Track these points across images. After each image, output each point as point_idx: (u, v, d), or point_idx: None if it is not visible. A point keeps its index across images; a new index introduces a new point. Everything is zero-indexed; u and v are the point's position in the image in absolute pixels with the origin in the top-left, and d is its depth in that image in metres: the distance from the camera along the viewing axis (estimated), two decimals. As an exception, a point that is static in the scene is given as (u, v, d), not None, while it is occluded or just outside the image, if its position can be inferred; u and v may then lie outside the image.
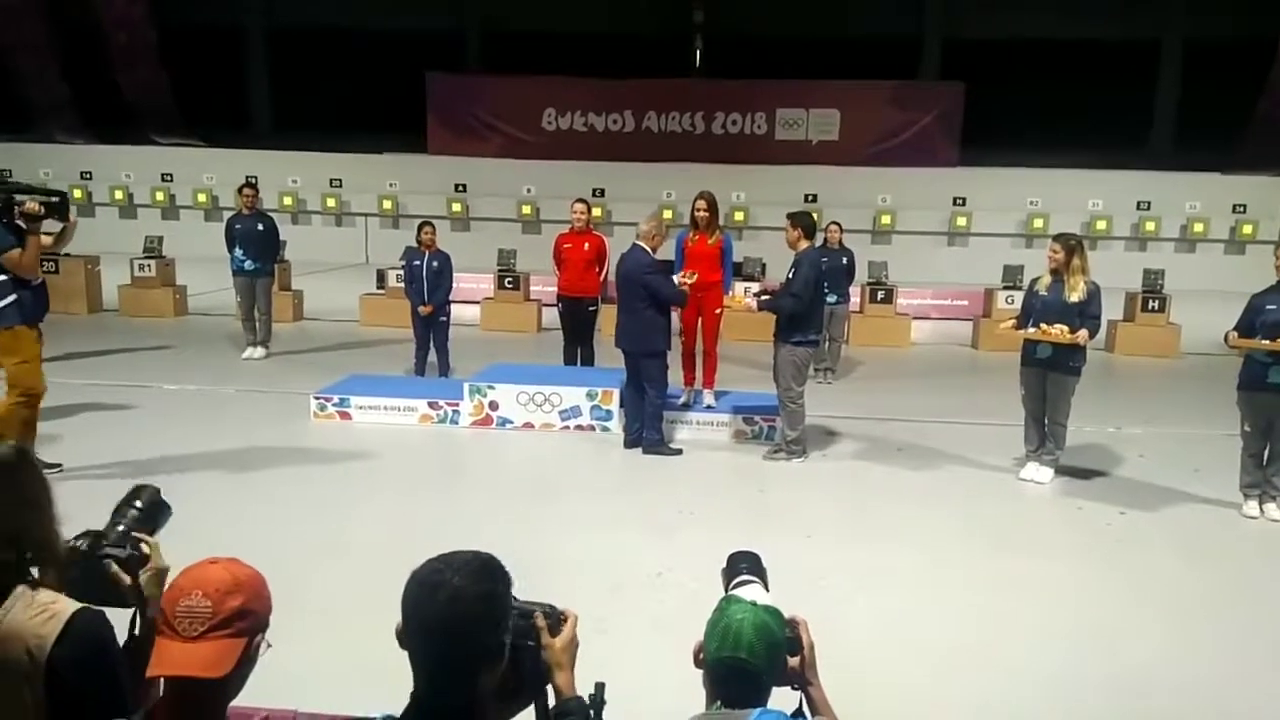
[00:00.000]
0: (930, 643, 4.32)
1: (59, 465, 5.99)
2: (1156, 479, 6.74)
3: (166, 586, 1.74)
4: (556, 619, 1.79)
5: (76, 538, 2.00)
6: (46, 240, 5.93)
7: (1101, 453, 7.34)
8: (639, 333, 7.02)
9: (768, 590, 2.23)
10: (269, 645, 1.70)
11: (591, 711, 1.79)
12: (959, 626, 4.50)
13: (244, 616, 1.62)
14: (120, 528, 2.05)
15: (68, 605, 1.80)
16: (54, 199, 5.78)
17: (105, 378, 8.66)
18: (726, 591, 2.20)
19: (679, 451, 7.19)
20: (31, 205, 5.59)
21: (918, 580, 5.00)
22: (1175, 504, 6.28)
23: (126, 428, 7.14)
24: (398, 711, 1.62)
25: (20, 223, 5.66)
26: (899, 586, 4.91)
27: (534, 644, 1.75)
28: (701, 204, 7.67)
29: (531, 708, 1.77)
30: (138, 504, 2.12)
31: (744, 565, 2.30)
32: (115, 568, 1.97)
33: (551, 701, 1.78)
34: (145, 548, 2.04)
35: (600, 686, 1.82)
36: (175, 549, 2.19)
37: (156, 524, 2.14)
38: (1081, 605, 4.78)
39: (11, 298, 5.66)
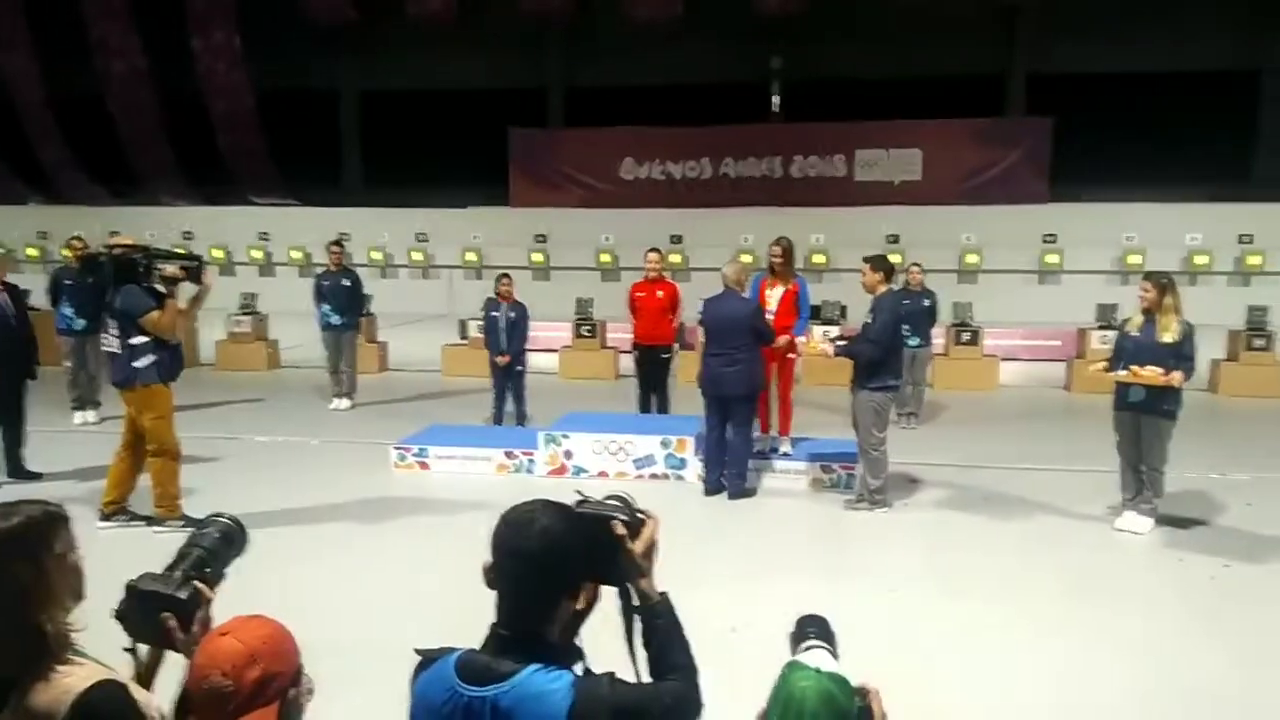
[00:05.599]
0: (1022, 709, 4.10)
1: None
2: (1265, 529, 6.33)
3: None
4: (636, 522, 1.86)
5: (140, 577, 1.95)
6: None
7: (1204, 500, 6.95)
8: (744, 375, 6.97)
9: (836, 657, 2.13)
10: (310, 692, 1.71)
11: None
12: (1053, 690, 4.26)
13: (268, 683, 1.63)
14: (182, 569, 1.97)
15: (79, 681, 1.75)
16: (192, 263, 6.08)
17: (197, 430, 8.96)
18: (793, 657, 2.11)
19: (753, 491, 7.21)
20: (170, 269, 5.89)
21: (1008, 640, 4.76)
22: (1287, 556, 5.89)
23: (213, 479, 7.35)
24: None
25: (159, 286, 5.95)
26: (987, 647, 4.69)
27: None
28: (777, 250, 7.65)
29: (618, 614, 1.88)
30: (203, 543, 2.04)
31: (812, 630, 2.21)
32: (172, 621, 1.88)
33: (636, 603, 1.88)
34: (201, 599, 1.92)
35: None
36: (248, 601, 2.20)
37: (227, 559, 2.07)
38: (1184, 666, 4.48)
39: (152, 358, 5.97)
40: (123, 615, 1.90)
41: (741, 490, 7.13)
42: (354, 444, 8.75)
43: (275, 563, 5.65)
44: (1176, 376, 6.04)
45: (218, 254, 20.55)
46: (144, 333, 5.91)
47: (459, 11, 20.01)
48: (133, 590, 1.91)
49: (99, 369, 9.34)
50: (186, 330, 13.17)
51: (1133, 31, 19.06)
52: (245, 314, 13.34)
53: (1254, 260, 17.47)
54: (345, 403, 10.44)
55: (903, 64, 20.04)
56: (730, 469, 7.14)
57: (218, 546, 2.06)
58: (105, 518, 6.15)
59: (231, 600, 1.96)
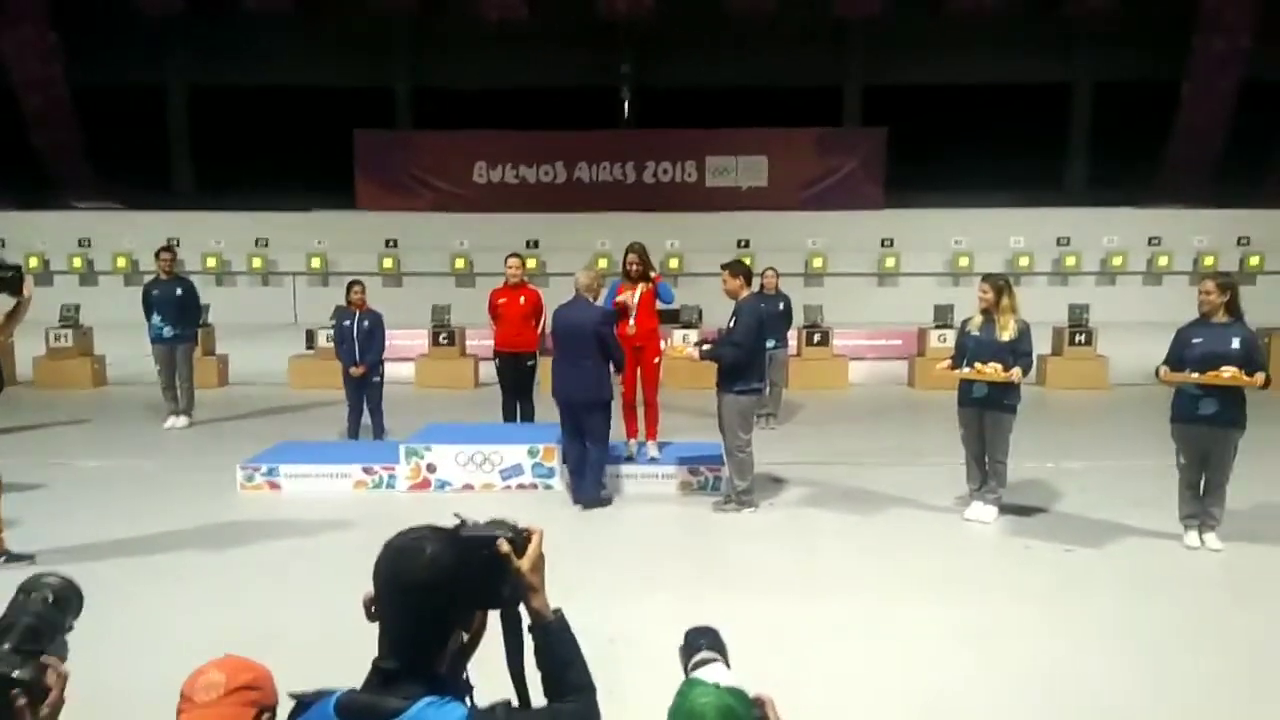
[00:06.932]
0: (890, 697, 4.23)
1: (31, 556, 5.61)
2: (1098, 513, 6.79)
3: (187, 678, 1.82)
4: (520, 540, 1.80)
5: None
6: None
7: (1043, 489, 7.40)
8: (587, 383, 6.90)
9: (729, 667, 2.11)
10: None
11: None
12: (918, 678, 4.41)
13: (255, 689, 1.78)
14: (9, 644, 1.60)
15: None
16: (8, 273, 5.47)
17: (17, 455, 8.19)
18: (686, 672, 2.08)
19: (609, 501, 7.14)
20: None
21: (873, 633, 4.90)
22: (1119, 538, 6.32)
23: (38, 509, 6.72)
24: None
25: None
26: (855, 641, 4.81)
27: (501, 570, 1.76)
28: (633, 257, 7.61)
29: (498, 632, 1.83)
30: (31, 609, 1.67)
31: (703, 642, 2.17)
32: (23, 700, 1.54)
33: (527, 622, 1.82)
34: (52, 676, 1.60)
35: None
36: (88, 644, 1.97)
37: (62, 625, 1.71)
38: (1039, 648, 4.73)
39: None
40: None
41: (595, 500, 7.02)
42: (194, 465, 8.22)
43: (113, 600, 5.23)
44: (1016, 373, 6.40)
45: (33, 262, 18.99)
46: None
47: (298, 6, 19.23)
48: None
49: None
50: (2, 347, 12.21)
51: (957, 47, 20.24)
52: (66, 327, 12.35)
53: (1070, 261, 18.84)
54: (182, 420, 9.80)
55: (747, 73, 20.60)
56: (587, 477, 7.05)
57: (49, 614, 1.68)
58: (-86, 556, 5.54)
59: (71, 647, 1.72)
